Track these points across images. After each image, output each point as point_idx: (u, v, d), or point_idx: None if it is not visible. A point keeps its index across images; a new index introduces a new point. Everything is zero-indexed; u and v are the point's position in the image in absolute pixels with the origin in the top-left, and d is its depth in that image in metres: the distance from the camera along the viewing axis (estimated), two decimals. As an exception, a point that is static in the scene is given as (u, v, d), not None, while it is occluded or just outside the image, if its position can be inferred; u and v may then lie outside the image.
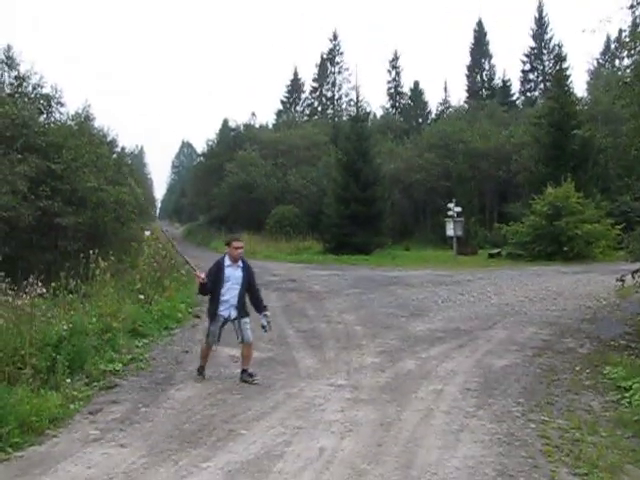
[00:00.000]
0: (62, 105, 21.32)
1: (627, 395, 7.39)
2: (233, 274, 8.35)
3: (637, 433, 6.16)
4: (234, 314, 8.33)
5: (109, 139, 29.31)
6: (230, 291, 8.32)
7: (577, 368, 9.00)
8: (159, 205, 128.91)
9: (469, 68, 69.60)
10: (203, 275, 8.47)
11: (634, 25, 11.46)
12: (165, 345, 10.76)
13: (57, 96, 20.93)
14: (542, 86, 64.52)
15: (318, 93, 74.09)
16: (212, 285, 8.36)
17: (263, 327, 8.45)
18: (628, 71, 12.75)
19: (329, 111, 72.88)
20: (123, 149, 33.10)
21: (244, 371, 8.41)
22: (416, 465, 5.42)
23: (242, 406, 7.17)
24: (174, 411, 6.98)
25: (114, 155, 26.73)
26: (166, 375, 8.72)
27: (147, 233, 24.98)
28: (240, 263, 8.43)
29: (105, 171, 19.66)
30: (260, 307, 8.51)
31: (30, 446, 5.85)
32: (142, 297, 12.73)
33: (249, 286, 8.46)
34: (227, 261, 8.43)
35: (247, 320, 8.40)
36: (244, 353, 8.49)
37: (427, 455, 5.65)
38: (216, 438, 6.08)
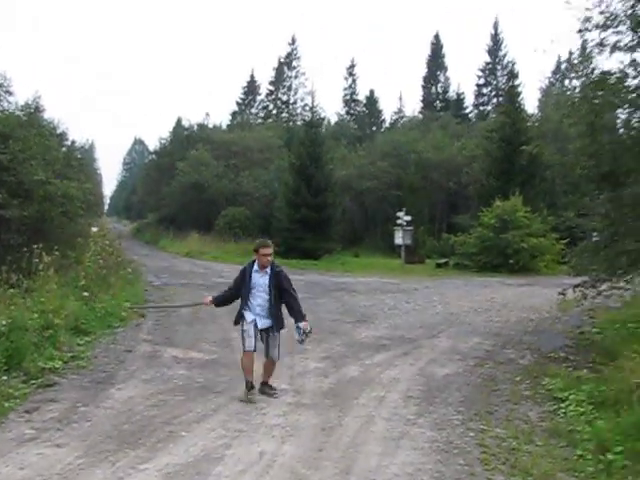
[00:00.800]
0: (10, 94, 20.80)
1: (563, 406, 7.55)
2: (259, 281, 7.83)
3: (570, 442, 6.30)
4: (263, 323, 7.78)
5: (59, 132, 28.59)
6: (257, 298, 7.80)
7: (517, 379, 9.16)
8: (108, 201, 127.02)
9: (425, 79, 70.41)
10: (209, 298, 8.33)
11: (583, 48, 11.79)
12: (108, 344, 10.59)
13: (5, 84, 20.41)
14: (495, 101, 65.72)
15: (274, 96, 74.01)
16: (237, 291, 8.03)
17: (298, 341, 7.90)
18: (577, 91, 13.09)
19: (284, 115, 72.83)
20: (73, 143, 32.46)
21: (265, 383, 7.94)
22: (355, 471, 5.44)
23: (183, 408, 7.11)
24: (114, 411, 6.88)
25: (64, 148, 26.12)
26: (107, 374, 8.59)
27: (94, 229, 24.60)
28: (268, 270, 7.84)
29: (54, 164, 19.22)
30: (296, 317, 7.83)
31: (-39, 444, 5.69)
32: (86, 294, 12.52)
33: (281, 293, 7.82)
34: (255, 267, 7.93)
35: (277, 335, 7.86)
36: (266, 366, 7.98)
37: (367, 461, 5.69)
38: (156, 439, 6.01)
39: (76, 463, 5.33)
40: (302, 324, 7.77)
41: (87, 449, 5.67)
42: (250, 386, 7.62)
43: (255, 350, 7.71)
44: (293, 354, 10.39)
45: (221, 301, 8.32)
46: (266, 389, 7.90)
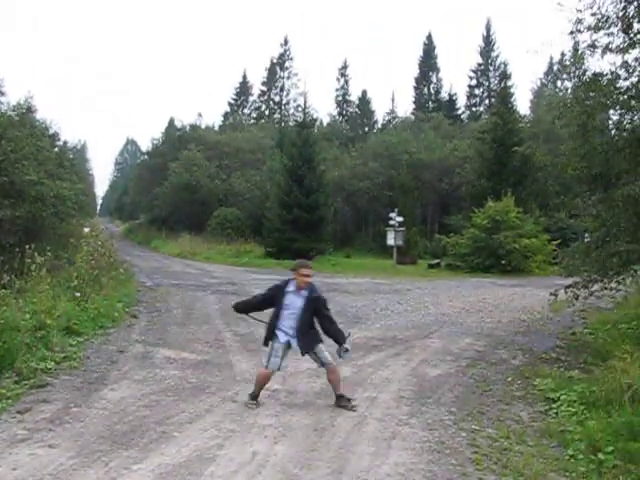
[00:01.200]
0: (2, 94, 20.77)
1: (554, 406, 7.59)
2: (294, 302, 7.55)
3: (562, 443, 6.33)
4: (295, 344, 7.56)
5: (51, 132, 28.57)
6: (288, 320, 7.53)
7: (509, 379, 9.19)
8: (100, 202, 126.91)
9: (417, 80, 70.70)
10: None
11: (574, 50, 11.85)
12: (100, 344, 10.57)
13: (-3, 85, 20.41)
14: (487, 102, 65.96)
15: (266, 97, 74.19)
16: (260, 304, 7.94)
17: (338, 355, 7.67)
18: (569, 92, 13.16)
19: (276, 115, 72.98)
20: (65, 143, 32.41)
21: (340, 397, 7.56)
22: (347, 471, 5.45)
23: (176, 408, 7.10)
24: (106, 411, 6.87)
25: (56, 149, 26.11)
26: (100, 375, 8.57)
27: (86, 230, 24.56)
28: (304, 292, 7.55)
29: (45, 164, 19.22)
30: (338, 339, 7.60)
31: (-47, 445, 5.67)
32: (78, 295, 12.49)
33: (317, 317, 7.61)
34: (291, 286, 7.62)
35: (321, 346, 7.59)
36: (330, 378, 7.64)
37: (359, 461, 5.70)
38: (148, 440, 6.01)
39: (69, 463, 5.32)
40: (346, 346, 7.61)
41: (80, 449, 5.66)
42: (254, 397, 7.53)
43: (279, 370, 7.64)
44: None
45: (242, 308, 8.20)
46: (343, 402, 7.53)
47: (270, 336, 7.61)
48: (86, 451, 5.62)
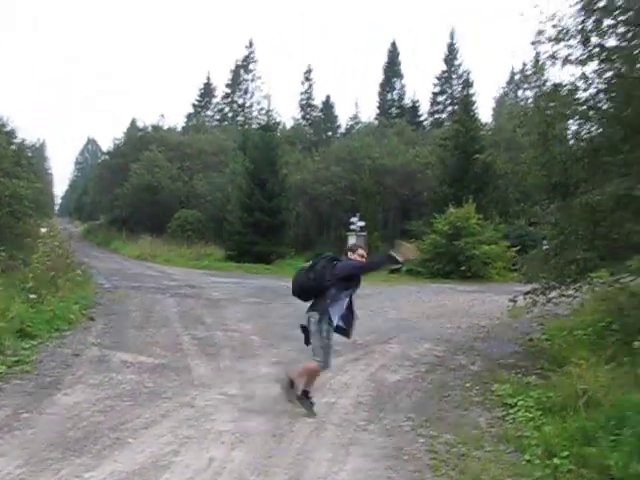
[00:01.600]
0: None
1: (512, 412, 7.64)
2: None
3: (518, 448, 6.38)
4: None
5: (7, 129, 27.95)
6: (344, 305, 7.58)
7: (467, 385, 9.24)
8: (59, 202, 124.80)
9: (381, 86, 70.96)
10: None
11: (536, 60, 12.01)
12: (55, 347, 10.33)
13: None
14: (450, 109, 66.56)
15: (230, 99, 73.79)
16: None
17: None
18: (530, 102, 13.33)
19: (239, 118, 72.59)
20: (23, 141, 31.72)
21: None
22: (305, 477, 5.41)
23: (131, 413, 6.97)
24: (59, 417, 6.70)
25: (13, 146, 25.54)
26: (53, 379, 8.36)
27: (44, 230, 24.09)
28: None
29: (1, 162, 18.83)
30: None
31: None
32: (34, 296, 12.21)
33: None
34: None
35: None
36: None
37: (317, 467, 5.66)
38: (101, 446, 5.87)
39: (16, 473, 5.15)
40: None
41: (29, 457, 5.50)
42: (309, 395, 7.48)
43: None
44: (244, 359, 10.35)
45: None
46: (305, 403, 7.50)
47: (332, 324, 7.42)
48: (35, 459, 5.47)
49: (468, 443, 6.49)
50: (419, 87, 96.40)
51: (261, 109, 68.88)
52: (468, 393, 8.79)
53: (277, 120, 54.90)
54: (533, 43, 10.89)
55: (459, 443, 6.49)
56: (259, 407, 7.60)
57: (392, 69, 70.43)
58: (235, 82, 72.95)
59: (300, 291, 7.62)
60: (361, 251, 7.79)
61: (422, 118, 68.36)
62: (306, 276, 7.54)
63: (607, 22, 10.05)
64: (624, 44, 10.06)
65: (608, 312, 11.59)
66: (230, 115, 73.42)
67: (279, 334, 12.85)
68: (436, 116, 68.51)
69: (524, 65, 49.12)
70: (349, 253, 7.82)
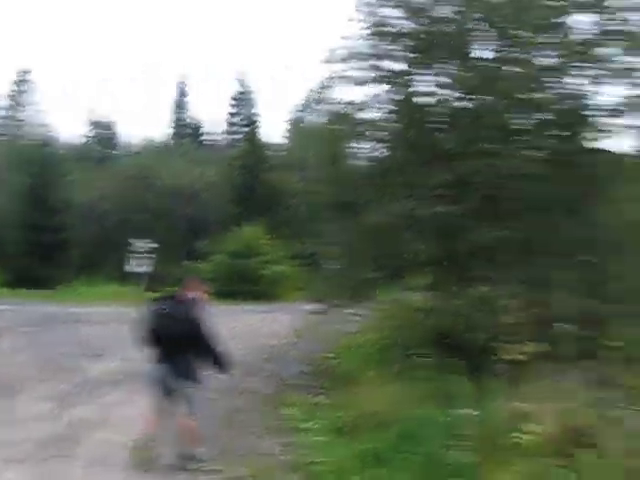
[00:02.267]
0: None
1: (304, 436, 7.46)
2: None
3: (310, 476, 6.14)
4: None
5: None
6: None
7: (260, 409, 8.98)
8: None
9: (173, 106, 69.85)
10: None
11: (330, 79, 12.10)
12: None
13: None
14: (243, 129, 67.00)
15: (8, 113, 68.70)
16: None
17: None
18: (320, 121, 13.57)
19: (17, 133, 67.76)
20: None
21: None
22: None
23: None
24: None
25: None
26: None
27: None
28: None
29: None
30: None
31: None
32: None
33: None
34: None
35: None
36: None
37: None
38: None
39: None
40: None
41: None
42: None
43: None
44: (14, 396, 9.27)
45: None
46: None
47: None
48: None
49: (258, 476, 6.10)
50: (213, 107, 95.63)
51: (41, 125, 64.81)
52: (261, 418, 8.50)
53: (58, 136, 52.08)
54: (326, 62, 10.98)
55: (249, 476, 6.08)
56: (23, 455, 6.56)
57: (183, 90, 69.70)
58: (15, 95, 68.08)
59: None
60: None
61: (213, 138, 68.21)
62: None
63: (393, 47, 10.42)
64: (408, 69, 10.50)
65: (392, 329, 11.95)
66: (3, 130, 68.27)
67: (58, 365, 11.83)
68: (228, 136, 68.68)
69: (321, 85, 50.94)
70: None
